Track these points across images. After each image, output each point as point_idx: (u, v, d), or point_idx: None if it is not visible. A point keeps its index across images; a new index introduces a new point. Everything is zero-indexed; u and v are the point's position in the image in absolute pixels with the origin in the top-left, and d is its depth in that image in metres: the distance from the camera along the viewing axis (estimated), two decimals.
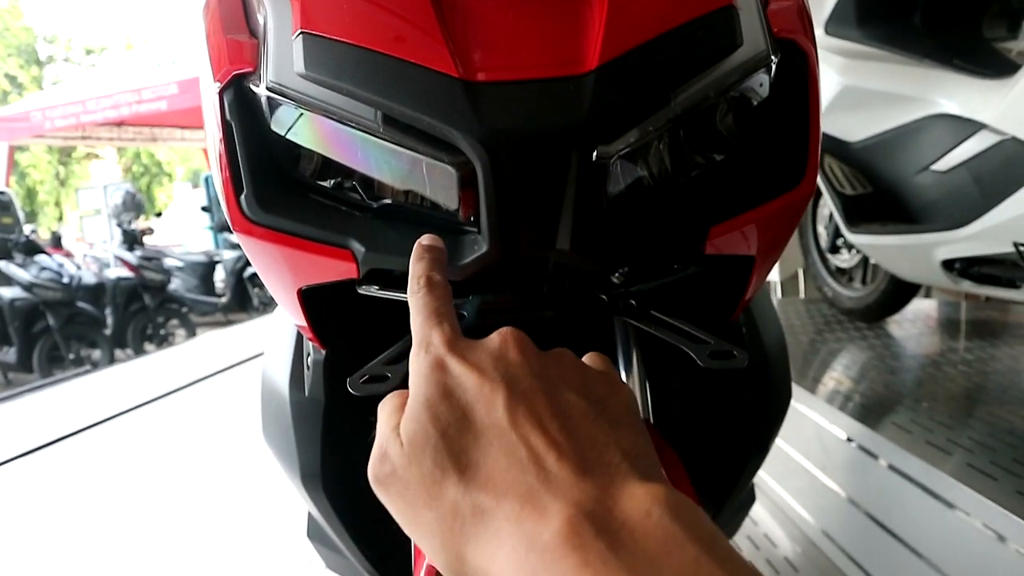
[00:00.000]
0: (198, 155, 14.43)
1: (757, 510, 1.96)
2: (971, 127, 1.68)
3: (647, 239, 0.56)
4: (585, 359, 0.41)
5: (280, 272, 0.63)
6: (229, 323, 6.80)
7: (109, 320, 6.08)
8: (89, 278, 6.04)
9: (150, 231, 6.89)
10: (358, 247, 0.56)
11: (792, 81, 0.61)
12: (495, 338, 0.38)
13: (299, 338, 0.86)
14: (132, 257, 6.22)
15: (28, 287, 5.46)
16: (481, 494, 0.31)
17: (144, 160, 20.45)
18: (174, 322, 6.57)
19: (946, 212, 1.73)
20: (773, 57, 0.58)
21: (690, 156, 0.59)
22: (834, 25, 2.07)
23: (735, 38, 0.54)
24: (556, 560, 0.27)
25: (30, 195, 18.20)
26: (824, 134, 2.08)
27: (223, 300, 7.34)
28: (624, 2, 0.52)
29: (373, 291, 0.59)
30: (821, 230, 2.63)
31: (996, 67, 1.73)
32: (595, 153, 0.50)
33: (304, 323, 0.70)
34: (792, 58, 0.61)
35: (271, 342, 0.93)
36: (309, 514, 1.11)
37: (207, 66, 0.62)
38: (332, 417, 0.80)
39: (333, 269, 0.58)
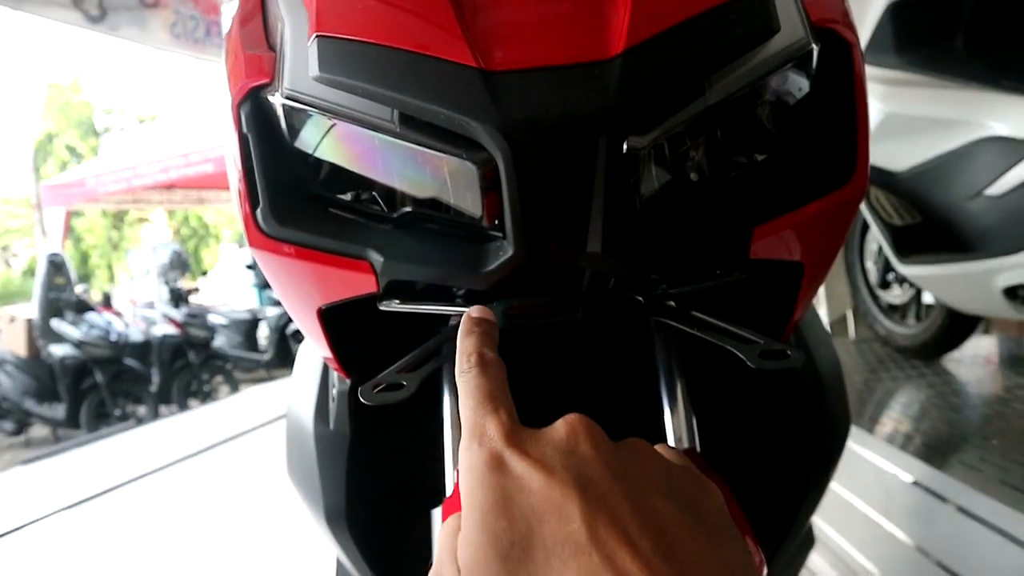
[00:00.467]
0: None
1: (815, 560, 1.84)
2: None
3: (685, 241, 0.52)
4: (659, 450, 0.35)
5: (299, 291, 0.60)
6: (271, 378, 6.84)
7: (155, 377, 6.16)
8: (136, 336, 6.16)
9: (196, 290, 7.04)
10: (376, 257, 0.53)
11: (835, 74, 0.57)
12: (561, 427, 0.32)
13: (325, 370, 0.83)
14: (178, 314, 6.35)
15: (78, 344, 5.58)
16: None
17: (192, 223, 21.12)
18: (218, 378, 6.65)
19: (1004, 237, 1.65)
20: (813, 45, 0.54)
21: (729, 155, 0.55)
22: (873, 53, 2.03)
23: (771, 23, 0.50)
24: None
25: (84, 258, 18.88)
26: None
27: (266, 356, 7.41)
28: None
29: (394, 306, 0.56)
30: (870, 265, 2.54)
31: None
32: (625, 144, 0.46)
33: (327, 349, 0.67)
34: (834, 49, 0.57)
35: (297, 376, 0.90)
36: (338, 560, 1.07)
37: (226, 85, 0.60)
38: (357, 452, 0.76)
39: (352, 283, 0.55)
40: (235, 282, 11.17)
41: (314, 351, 0.88)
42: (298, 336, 7.38)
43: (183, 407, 6.11)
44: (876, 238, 2.48)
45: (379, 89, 0.48)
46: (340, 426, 0.76)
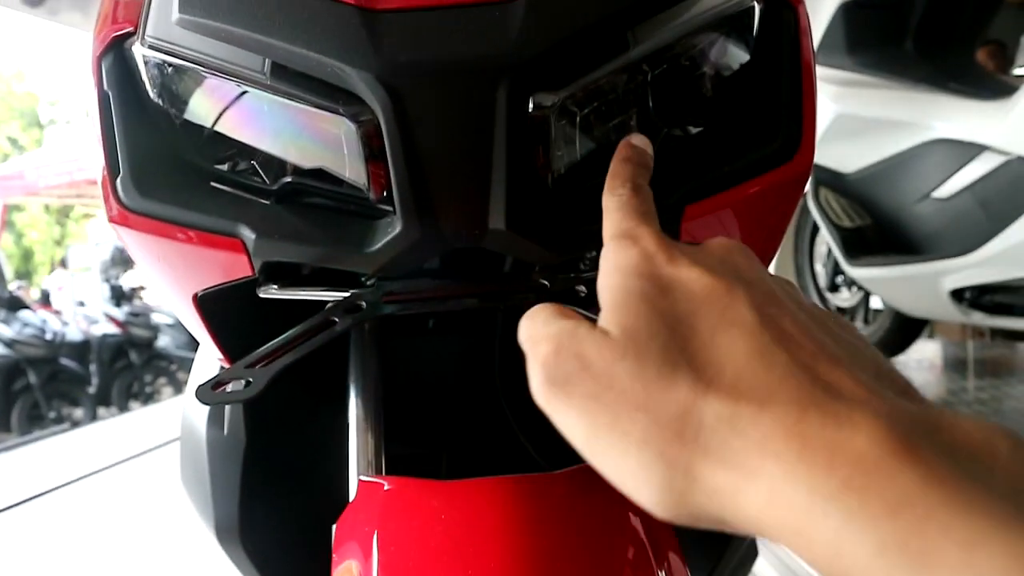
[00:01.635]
0: None
1: (760, 566, 1.81)
2: (972, 150, 1.60)
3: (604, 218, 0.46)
4: None
5: (169, 275, 0.52)
6: None
7: (94, 378, 5.93)
8: (74, 335, 5.92)
9: (141, 288, 6.79)
10: (248, 234, 0.45)
11: (780, 41, 0.51)
12: (715, 241, 0.32)
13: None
14: (119, 313, 6.12)
15: (9, 344, 5.33)
16: (729, 399, 0.24)
17: None
18: (161, 380, 6.43)
19: (952, 239, 1.64)
20: (755, 2, 0.49)
21: (659, 126, 0.49)
22: (824, 54, 2.02)
23: None
24: (884, 472, 0.21)
25: (27, 255, 18.20)
26: (817, 165, 2.00)
27: None
28: None
29: (273, 292, 0.49)
30: (819, 268, 2.54)
31: (992, 89, 1.67)
32: (531, 101, 0.40)
33: (209, 340, 0.59)
34: (777, 11, 0.51)
35: (193, 376, 0.82)
36: None
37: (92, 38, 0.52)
38: (253, 460, 0.68)
39: (224, 266, 0.48)
40: None
41: (212, 349, 0.80)
42: None
43: (123, 409, 5.89)
44: (825, 240, 2.48)
45: (246, 32, 0.40)
46: (235, 431, 0.68)
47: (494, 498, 0.47)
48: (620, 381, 0.26)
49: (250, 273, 0.47)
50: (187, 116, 0.48)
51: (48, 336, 5.50)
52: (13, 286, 5.83)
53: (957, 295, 1.68)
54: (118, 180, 0.48)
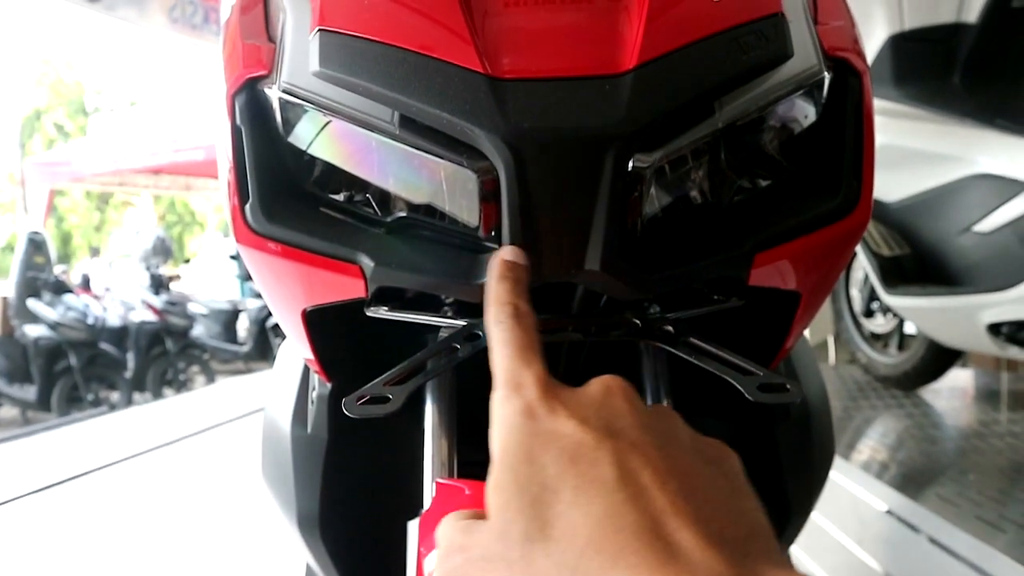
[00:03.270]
0: None
1: None
2: (1016, 187, 1.62)
3: (686, 265, 0.51)
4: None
5: (284, 291, 0.59)
6: (250, 371, 6.78)
7: (130, 363, 6.08)
8: (114, 320, 6.08)
9: (177, 278, 6.95)
10: (367, 262, 0.51)
11: (844, 103, 0.56)
12: (596, 385, 0.34)
13: (305, 373, 0.81)
14: (157, 301, 6.27)
15: (53, 326, 5.50)
16: (581, 561, 0.26)
17: (178, 209, 20.93)
18: (194, 368, 6.57)
19: (991, 274, 1.66)
20: (825, 73, 0.54)
21: (732, 179, 0.55)
22: (872, 85, 2.04)
23: (785, 48, 0.50)
24: None
25: (66, 239, 18.64)
26: None
27: (245, 348, 7.34)
28: (666, 3, 0.48)
29: (382, 312, 0.55)
30: (855, 293, 2.55)
31: None
32: (631, 162, 0.45)
33: (309, 351, 0.65)
34: (844, 78, 0.56)
35: (276, 375, 0.88)
36: (307, 566, 1.04)
37: (221, 74, 0.59)
38: (335, 457, 0.74)
39: (340, 287, 0.54)
40: (218, 272, 11.08)
41: (296, 351, 0.86)
42: (279, 330, 7.32)
43: (157, 395, 6.04)
44: (862, 266, 2.49)
45: (381, 89, 0.46)
46: (318, 430, 0.74)
47: None
48: (494, 563, 0.29)
49: (363, 295, 0.53)
50: (311, 152, 0.54)
51: (90, 320, 5.65)
52: (58, 270, 5.98)
53: (994, 329, 1.70)
54: (247, 206, 0.54)
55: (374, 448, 0.77)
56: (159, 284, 6.44)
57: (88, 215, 19.90)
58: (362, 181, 0.53)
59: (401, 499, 0.70)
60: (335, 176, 0.54)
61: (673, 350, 0.51)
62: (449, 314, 0.55)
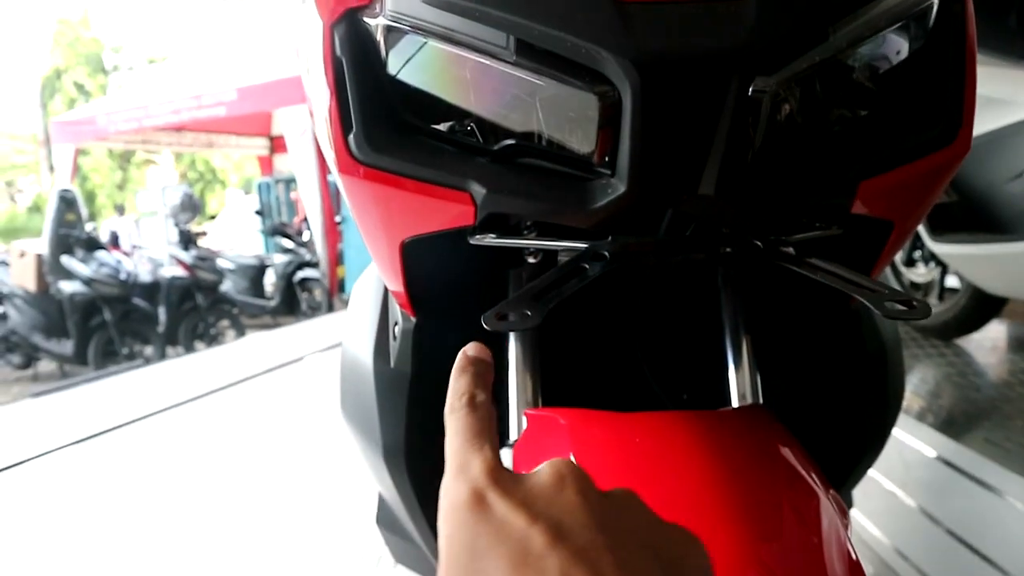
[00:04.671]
0: (252, 163, 14.73)
1: None
2: None
3: (793, 192, 0.51)
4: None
5: (385, 221, 0.59)
6: (277, 325, 6.86)
7: (162, 318, 6.19)
8: (145, 276, 6.17)
9: (203, 234, 7.01)
10: (478, 189, 0.52)
11: (947, 31, 0.56)
12: (547, 470, 0.31)
13: (384, 308, 0.82)
14: (187, 257, 6.34)
15: (87, 282, 5.59)
16: None
17: (199, 167, 20.99)
18: (224, 322, 6.66)
19: None
20: (934, 0, 0.53)
21: (836, 109, 0.54)
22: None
23: None
24: None
25: (90, 198, 18.81)
26: None
27: (272, 303, 7.42)
28: None
29: (488, 240, 0.55)
30: None
31: None
32: (751, 87, 0.45)
33: (400, 284, 0.66)
34: (948, 7, 0.56)
35: (353, 314, 0.89)
36: (380, 499, 1.07)
37: (312, 7, 0.59)
38: (418, 391, 0.76)
39: (447, 215, 0.54)
40: (242, 228, 11.15)
41: (371, 288, 0.87)
42: (304, 284, 7.39)
43: (189, 349, 6.14)
44: None
45: (500, 13, 0.46)
46: (401, 364, 0.76)
47: (678, 429, 0.53)
48: None
49: (470, 223, 0.54)
50: (414, 82, 0.54)
51: (122, 276, 5.73)
52: (89, 227, 6.05)
53: None
54: (350, 136, 0.55)
55: None
56: (188, 240, 6.51)
57: (111, 174, 20.02)
58: (465, 110, 0.53)
59: None
60: (437, 106, 0.54)
61: (798, 269, 0.51)
62: (551, 238, 0.56)
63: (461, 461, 0.32)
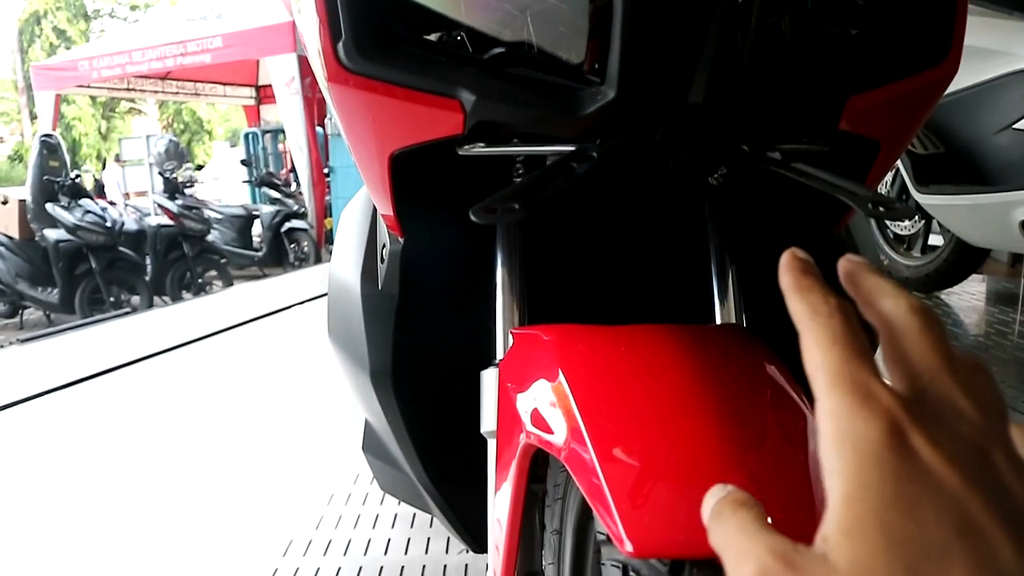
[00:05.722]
0: (238, 114, 14.51)
1: None
2: None
3: (781, 104, 0.52)
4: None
5: (374, 132, 0.60)
6: (264, 276, 6.84)
7: (149, 267, 6.15)
8: (131, 224, 6.11)
9: (191, 182, 6.90)
10: (468, 96, 0.52)
11: None
12: (961, 403, 0.24)
13: (371, 232, 0.83)
14: (173, 206, 6.27)
15: (73, 229, 5.53)
16: None
17: (185, 117, 20.63)
18: (212, 273, 6.63)
19: None
20: None
21: (824, 25, 0.55)
22: None
23: None
24: None
25: (74, 147, 18.49)
26: None
27: (259, 254, 7.39)
28: None
29: (478, 149, 0.56)
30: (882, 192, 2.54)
31: None
32: None
33: (388, 201, 0.67)
34: None
35: (341, 239, 0.90)
36: (366, 425, 1.09)
37: None
38: (405, 312, 0.77)
39: (436, 124, 0.55)
40: (228, 180, 11.03)
41: (359, 212, 0.88)
42: (292, 235, 7.35)
43: (176, 299, 6.12)
44: (891, 168, 2.48)
45: None
46: (389, 287, 0.77)
47: (664, 341, 0.54)
48: None
49: (459, 131, 0.54)
50: None
51: (108, 224, 5.67)
52: (74, 174, 5.97)
53: None
54: (339, 45, 0.55)
55: (444, 303, 0.79)
56: (174, 189, 6.43)
57: (94, 123, 19.65)
58: (452, 20, 0.53)
59: (472, 351, 0.73)
60: (427, 16, 0.54)
61: (783, 172, 0.52)
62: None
63: (857, 381, 0.24)
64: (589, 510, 0.56)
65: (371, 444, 1.05)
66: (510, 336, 0.67)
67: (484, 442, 0.68)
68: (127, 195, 7.09)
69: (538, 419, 0.53)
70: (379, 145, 0.60)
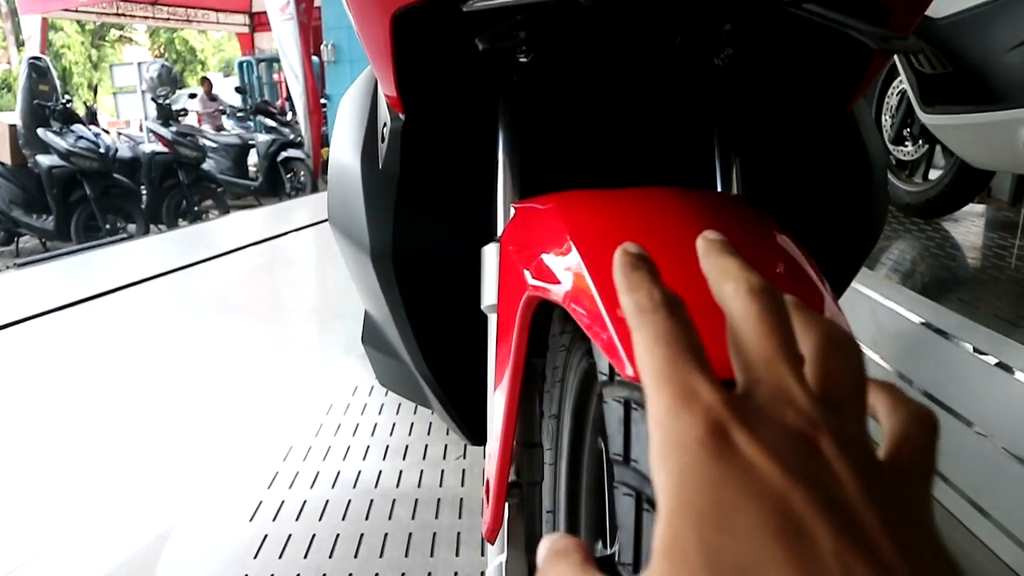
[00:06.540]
0: (231, 45, 14.16)
1: None
2: None
3: None
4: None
5: None
6: (260, 205, 6.80)
7: (144, 195, 6.10)
8: (125, 151, 6.03)
9: (184, 112, 6.77)
10: None
11: None
12: (792, 415, 0.23)
13: (372, 112, 0.82)
14: (167, 132, 6.18)
15: (66, 155, 5.46)
16: None
17: (178, 47, 20.15)
18: (208, 201, 6.59)
19: None
20: None
21: None
22: None
23: None
24: None
25: (65, 75, 18.09)
26: None
27: (256, 184, 7.33)
28: None
29: (479, 3, 0.54)
30: (886, 119, 2.51)
31: None
32: None
33: (389, 70, 0.65)
34: None
35: (340, 124, 0.89)
36: (366, 317, 1.10)
37: None
38: (406, 192, 0.77)
39: None
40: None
41: (360, 94, 0.86)
42: (288, 165, 7.28)
43: (173, 227, 6.10)
44: (896, 91, 2.44)
45: None
46: (390, 166, 0.76)
47: (672, 203, 0.54)
48: None
49: None
50: None
51: (102, 150, 5.60)
52: (64, 98, 5.85)
53: None
54: None
55: (445, 180, 0.79)
56: (168, 115, 6.32)
57: (84, 51, 19.19)
58: None
59: (473, 227, 0.73)
60: None
61: (796, 11, 0.51)
62: None
63: (682, 383, 0.23)
64: (592, 367, 0.57)
65: (371, 335, 1.05)
66: (511, 209, 0.66)
67: (485, 329, 0.68)
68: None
69: (541, 271, 0.53)
70: (381, 4, 0.59)
